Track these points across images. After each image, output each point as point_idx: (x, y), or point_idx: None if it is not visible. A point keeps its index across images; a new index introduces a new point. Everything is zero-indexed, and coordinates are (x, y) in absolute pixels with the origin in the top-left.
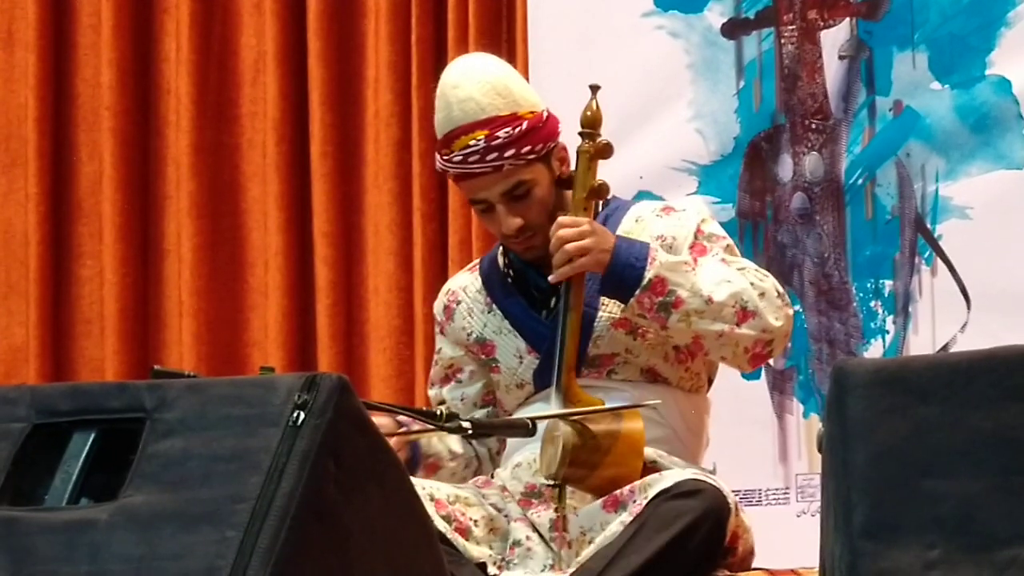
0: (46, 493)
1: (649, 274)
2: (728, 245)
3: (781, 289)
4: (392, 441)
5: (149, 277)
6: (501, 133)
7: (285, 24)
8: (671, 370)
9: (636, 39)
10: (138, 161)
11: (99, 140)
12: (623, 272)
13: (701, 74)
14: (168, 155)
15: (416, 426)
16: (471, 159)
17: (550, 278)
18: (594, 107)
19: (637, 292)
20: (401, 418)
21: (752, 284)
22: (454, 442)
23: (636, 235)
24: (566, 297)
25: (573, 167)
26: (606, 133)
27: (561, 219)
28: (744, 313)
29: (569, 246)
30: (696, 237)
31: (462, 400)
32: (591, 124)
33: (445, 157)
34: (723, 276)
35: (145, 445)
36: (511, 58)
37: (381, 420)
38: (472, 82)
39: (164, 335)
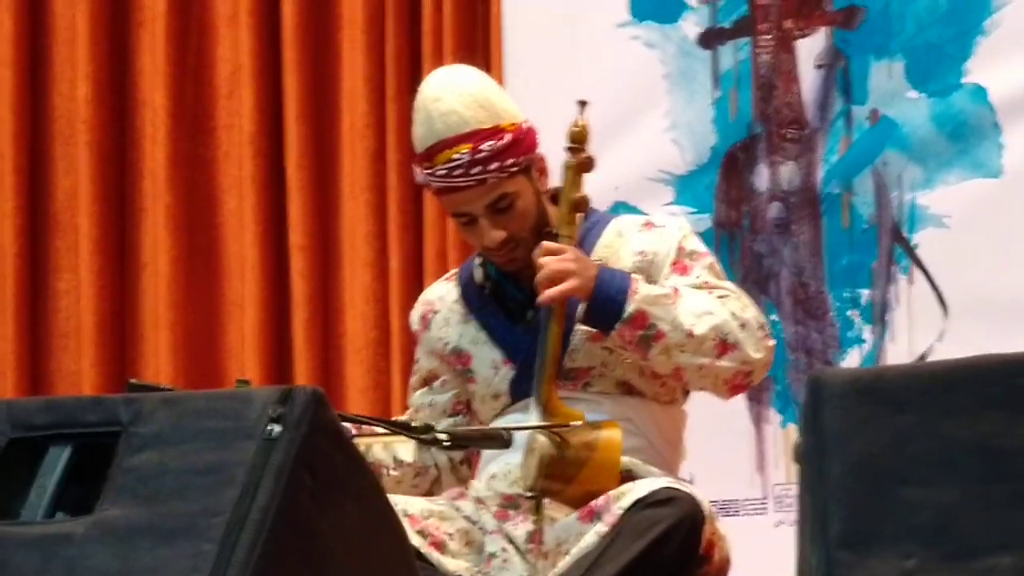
0: (22, 507)
1: (630, 308)
2: (710, 264)
3: (763, 319)
4: None
5: (126, 290)
6: (485, 146)
7: (260, 37)
8: (646, 384)
9: (612, 50)
10: (114, 174)
11: (75, 154)
12: (604, 305)
13: (677, 84)
14: (144, 168)
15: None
16: (456, 173)
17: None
18: (581, 122)
19: (618, 326)
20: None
21: (733, 314)
22: (402, 451)
23: (616, 249)
24: (547, 310)
25: (560, 181)
26: None
27: (546, 245)
28: (724, 346)
29: (552, 289)
30: (678, 254)
31: (430, 406)
32: (579, 139)
33: (428, 171)
34: (704, 308)
35: (121, 459)
36: (486, 70)
37: None
38: (453, 95)
39: (141, 348)
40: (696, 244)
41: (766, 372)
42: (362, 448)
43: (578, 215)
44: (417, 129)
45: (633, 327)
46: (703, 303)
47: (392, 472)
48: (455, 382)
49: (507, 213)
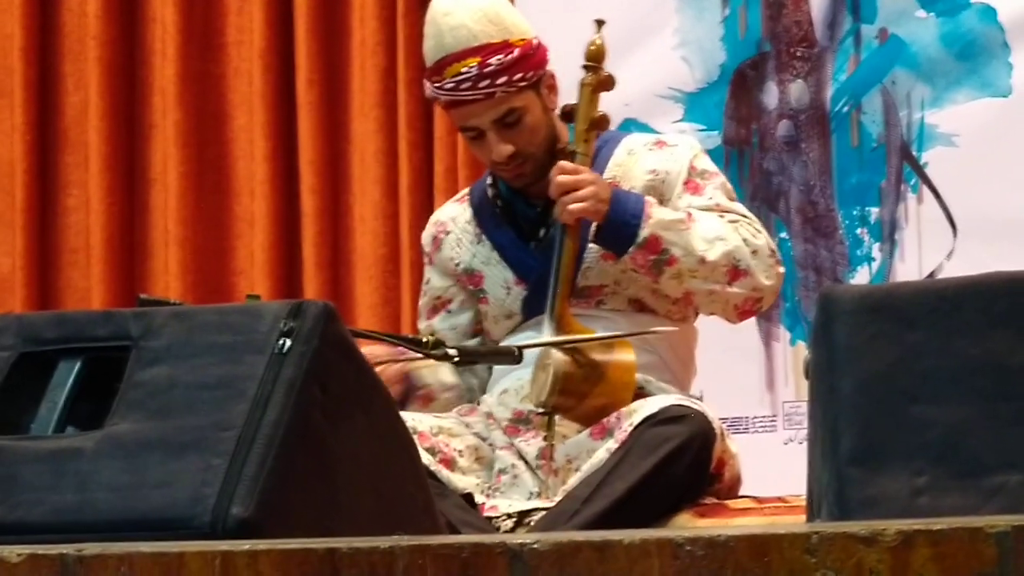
0: (32, 422)
1: (644, 232)
2: (722, 183)
3: (774, 246)
4: (389, 372)
5: (135, 206)
6: (493, 60)
7: None
8: (658, 302)
9: None
10: (124, 90)
11: (85, 70)
12: (618, 228)
13: (686, 2)
14: (154, 84)
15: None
16: (463, 86)
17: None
18: (598, 41)
19: (631, 249)
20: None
21: (745, 241)
22: (445, 373)
23: (628, 168)
24: (562, 228)
25: (576, 99)
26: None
27: (562, 164)
28: (736, 272)
29: (568, 201)
30: (690, 174)
31: (453, 330)
32: (595, 57)
33: (436, 84)
34: (717, 233)
35: (131, 373)
36: None
37: (376, 349)
38: (464, 9)
39: (150, 264)
40: (707, 163)
41: (775, 299)
42: (413, 374)
43: (594, 134)
44: (427, 43)
45: (646, 251)
46: (716, 228)
47: (444, 395)
48: (471, 302)
49: (515, 128)
